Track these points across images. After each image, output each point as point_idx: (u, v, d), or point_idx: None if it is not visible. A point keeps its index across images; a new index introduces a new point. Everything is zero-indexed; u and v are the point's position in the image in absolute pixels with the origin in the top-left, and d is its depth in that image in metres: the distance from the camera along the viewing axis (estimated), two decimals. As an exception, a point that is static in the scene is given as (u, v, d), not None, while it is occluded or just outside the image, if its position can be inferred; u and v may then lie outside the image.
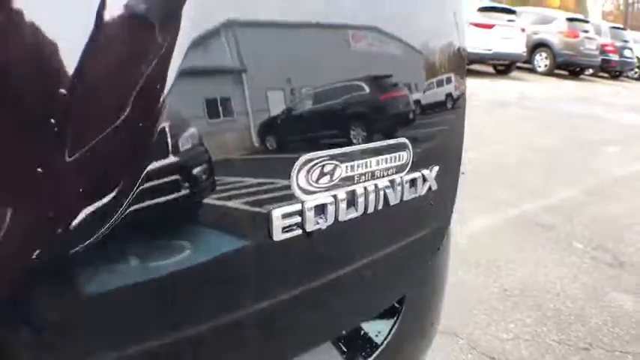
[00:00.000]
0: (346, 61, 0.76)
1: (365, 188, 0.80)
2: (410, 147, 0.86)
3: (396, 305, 1.14)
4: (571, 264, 3.70)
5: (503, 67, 17.77)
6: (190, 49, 0.57)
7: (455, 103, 1.01)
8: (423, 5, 0.92)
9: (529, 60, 18.78)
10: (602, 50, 20.06)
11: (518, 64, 18.12)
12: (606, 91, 16.67)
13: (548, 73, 18.76)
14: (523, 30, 17.30)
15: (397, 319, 1.13)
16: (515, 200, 4.92)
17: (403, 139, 0.85)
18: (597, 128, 9.43)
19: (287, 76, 0.69)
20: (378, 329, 1.11)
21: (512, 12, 17.87)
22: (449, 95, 0.99)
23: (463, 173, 4.21)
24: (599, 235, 4.28)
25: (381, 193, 0.83)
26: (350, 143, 0.78)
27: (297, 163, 0.71)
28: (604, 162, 6.96)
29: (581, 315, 3.04)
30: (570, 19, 19.39)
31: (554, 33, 18.75)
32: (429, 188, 0.93)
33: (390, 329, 1.11)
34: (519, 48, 17.01)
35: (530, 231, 4.25)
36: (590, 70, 20.86)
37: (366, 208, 0.81)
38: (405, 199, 0.88)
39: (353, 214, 0.79)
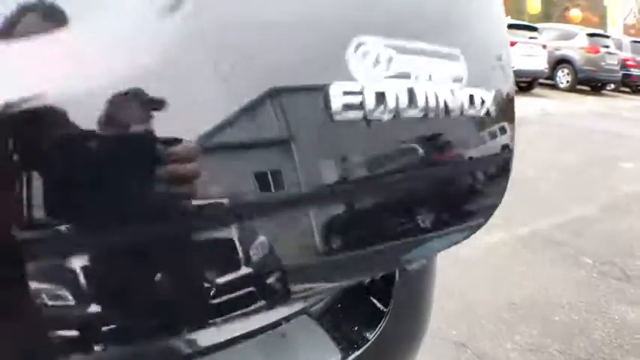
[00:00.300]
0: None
1: (424, 88, 0.77)
2: (463, 59, 0.83)
3: (383, 309, 1.33)
4: (579, 278, 3.86)
5: (525, 83, 17.81)
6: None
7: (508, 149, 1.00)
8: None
9: (551, 76, 18.73)
10: (623, 65, 19.91)
11: (541, 81, 18.13)
12: (627, 106, 16.61)
13: (570, 89, 18.71)
14: (544, 47, 17.35)
15: (386, 315, 1.33)
16: (529, 217, 5.06)
17: (456, 50, 0.83)
18: (615, 144, 9.51)
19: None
20: (368, 324, 1.30)
21: (534, 29, 17.93)
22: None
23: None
24: (609, 250, 4.42)
25: (441, 97, 0.79)
26: None
27: (352, 44, 0.69)
28: (619, 178, 7.07)
29: (585, 327, 3.20)
30: (591, 35, 19.34)
31: (576, 49, 18.69)
32: (488, 112, 0.89)
33: (379, 325, 1.30)
34: (541, 65, 17.07)
35: (542, 247, 4.41)
36: (612, 86, 20.72)
37: (426, 109, 0.77)
38: (464, 112, 0.84)
39: (414, 112, 0.76)
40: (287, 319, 1.33)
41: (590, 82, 19.43)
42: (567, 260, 4.18)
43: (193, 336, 1.23)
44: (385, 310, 1.32)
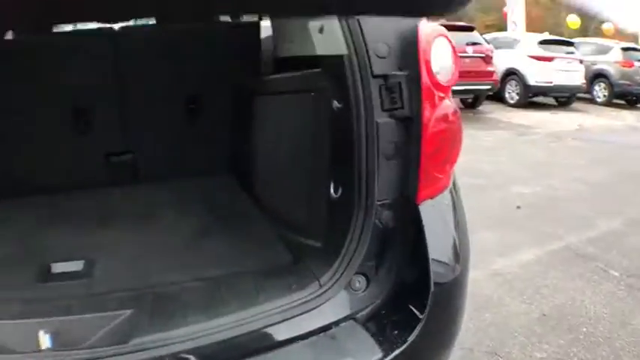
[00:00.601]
0: None
1: None
2: None
3: (420, 316, 1.62)
4: (606, 291, 4.05)
5: (564, 98, 17.80)
6: None
7: None
8: None
9: (589, 90, 18.48)
10: (656, 78, 19.52)
11: (579, 95, 18.06)
12: (662, 119, 16.51)
13: (607, 103, 18.48)
14: (581, 62, 17.31)
15: (422, 321, 1.62)
16: (561, 233, 5.29)
17: None
18: (648, 159, 9.61)
19: None
20: (406, 328, 1.60)
21: (571, 44, 17.87)
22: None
23: (519, 207, 4.73)
24: (636, 263, 4.59)
25: None
26: None
27: None
28: (650, 193, 7.19)
29: (608, 337, 3.40)
30: (625, 49, 19.04)
31: (611, 63, 18.45)
32: None
33: (415, 329, 1.60)
34: (578, 79, 16.96)
35: (573, 261, 4.61)
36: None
37: None
38: None
39: None
40: (336, 323, 1.64)
41: (625, 96, 19.07)
42: (596, 273, 4.38)
43: (261, 334, 1.55)
44: (421, 316, 1.62)
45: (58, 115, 3.11)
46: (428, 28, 1.78)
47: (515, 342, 3.29)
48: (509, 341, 3.29)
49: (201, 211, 2.64)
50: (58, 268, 2.09)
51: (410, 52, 1.72)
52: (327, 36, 1.85)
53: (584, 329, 3.50)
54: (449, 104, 1.76)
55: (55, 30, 3.52)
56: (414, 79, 1.70)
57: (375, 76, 1.69)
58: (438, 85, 1.72)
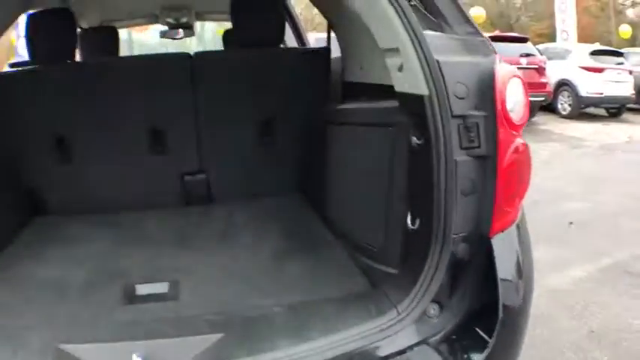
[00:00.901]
0: None
1: None
2: None
3: (488, 340, 1.71)
4: (652, 307, 4.08)
5: (614, 109, 17.49)
6: None
7: None
8: None
9: (638, 101, 17.75)
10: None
11: (629, 106, 17.69)
12: None
13: None
14: (630, 72, 16.95)
15: (491, 345, 1.71)
16: (613, 248, 5.30)
17: None
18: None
19: None
20: (475, 351, 1.70)
21: (621, 54, 17.49)
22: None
23: (572, 223, 4.77)
24: (684, 281, 4.57)
25: None
26: None
27: None
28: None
29: (650, 351, 3.46)
30: (675, 59, 18.32)
31: None
32: None
33: (484, 352, 1.69)
34: (628, 90, 16.64)
35: (621, 278, 4.64)
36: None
37: None
38: None
39: None
40: (411, 347, 1.72)
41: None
42: (643, 291, 4.40)
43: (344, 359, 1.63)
44: (490, 340, 1.71)
45: (136, 136, 3.20)
46: (503, 69, 1.86)
47: (563, 358, 3.37)
48: (557, 357, 3.38)
49: (276, 233, 2.68)
50: (144, 289, 2.16)
51: (487, 93, 1.78)
52: (406, 74, 1.87)
53: (626, 344, 3.56)
54: (520, 142, 1.84)
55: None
56: (491, 119, 1.76)
57: (454, 116, 1.74)
58: (512, 125, 1.79)
